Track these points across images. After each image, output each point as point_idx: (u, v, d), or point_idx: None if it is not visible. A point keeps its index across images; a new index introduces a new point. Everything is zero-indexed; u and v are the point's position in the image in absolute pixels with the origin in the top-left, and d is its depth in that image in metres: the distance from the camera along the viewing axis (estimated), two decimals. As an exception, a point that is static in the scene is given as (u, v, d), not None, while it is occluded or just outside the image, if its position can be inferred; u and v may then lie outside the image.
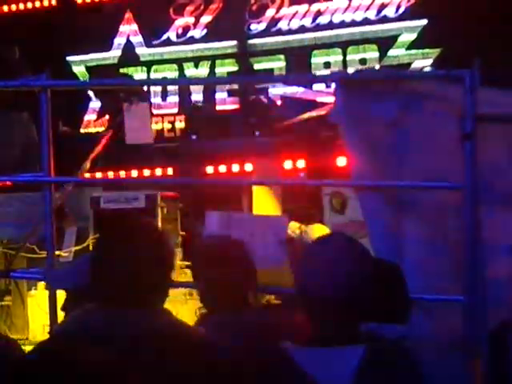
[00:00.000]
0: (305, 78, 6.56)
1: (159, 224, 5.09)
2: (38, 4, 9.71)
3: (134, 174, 6.31)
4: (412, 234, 2.90)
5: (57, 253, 4.90)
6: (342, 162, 6.24)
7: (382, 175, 2.96)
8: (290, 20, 9.18)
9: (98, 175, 6.36)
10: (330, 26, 8.98)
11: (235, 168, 6.59)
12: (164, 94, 9.44)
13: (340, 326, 1.78)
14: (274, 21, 9.22)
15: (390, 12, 8.77)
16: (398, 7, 8.72)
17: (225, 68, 9.33)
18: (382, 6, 8.77)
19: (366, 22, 8.85)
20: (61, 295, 3.40)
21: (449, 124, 2.86)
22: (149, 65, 9.67)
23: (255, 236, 3.00)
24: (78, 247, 5.56)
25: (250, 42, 9.25)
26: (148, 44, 9.64)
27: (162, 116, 9.25)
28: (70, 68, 9.78)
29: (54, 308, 3.18)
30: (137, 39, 9.69)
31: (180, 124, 9.10)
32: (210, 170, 6.62)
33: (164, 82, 7.51)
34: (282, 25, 9.20)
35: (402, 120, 2.92)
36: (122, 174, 6.54)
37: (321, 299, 1.76)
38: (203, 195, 5.92)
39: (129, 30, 9.63)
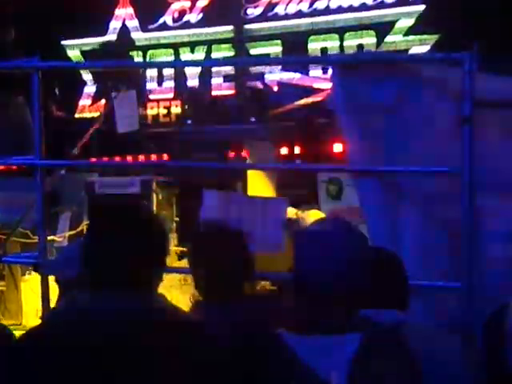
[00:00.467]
0: (301, 60, 6.49)
1: (153, 208, 5.06)
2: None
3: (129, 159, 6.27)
4: (410, 220, 2.87)
5: (51, 238, 4.89)
6: (338, 148, 6.22)
7: (379, 161, 2.92)
8: (287, 5, 9.12)
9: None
10: (327, 11, 8.93)
11: (231, 154, 6.55)
12: (160, 79, 9.40)
13: (337, 313, 1.75)
14: (271, 5, 9.17)
15: (387, -3, 8.73)
16: (396, -8, 8.67)
17: (221, 53, 9.28)
18: (380, -9, 8.73)
19: (364, 7, 8.81)
20: (54, 280, 3.39)
21: (447, 109, 2.82)
22: (145, 49, 9.62)
23: (254, 218, 2.96)
24: (72, 232, 5.53)
25: (247, 26, 9.20)
26: (144, 28, 9.58)
27: (158, 101, 9.22)
28: (65, 52, 9.72)
29: (47, 293, 3.15)
30: (132, 23, 9.63)
31: (176, 109, 9.06)
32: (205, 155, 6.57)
33: (156, 65, 7.42)
34: (279, 10, 9.14)
35: (401, 105, 2.88)
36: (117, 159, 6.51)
37: (318, 287, 1.74)
38: (197, 182, 5.88)
39: (124, 13, 9.57)
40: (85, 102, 9.53)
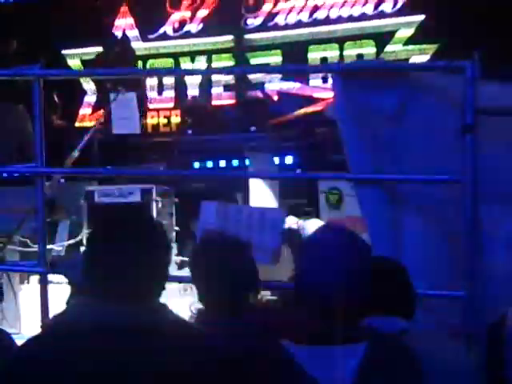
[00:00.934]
0: (301, 68, 6.49)
1: (155, 218, 5.03)
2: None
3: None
4: (412, 228, 2.86)
5: (49, 247, 4.87)
6: (339, 157, 6.20)
7: (380, 169, 2.91)
8: (287, 15, 9.14)
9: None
10: (327, 21, 8.96)
11: (233, 163, 6.53)
12: (160, 89, 9.41)
13: (340, 323, 1.74)
14: (271, 15, 9.19)
15: (387, 7, 8.74)
16: (396, 2, 8.70)
17: (221, 63, 9.30)
18: (380, 1, 8.76)
19: (364, 17, 8.83)
20: (53, 290, 3.36)
21: (449, 117, 2.82)
22: (145, 59, 9.63)
23: (252, 228, 2.95)
24: (71, 241, 5.50)
25: (247, 36, 9.23)
26: (144, 38, 9.60)
27: (158, 110, 9.23)
28: (65, 61, 9.74)
29: (46, 302, 3.14)
30: (133, 33, 9.64)
31: (176, 118, 9.07)
32: (208, 164, 6.56)
33: (157, 73, 7.42)
34: (279, 20, 9.17)
35: (402, 114, 2.88)
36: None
37: (321, 297, 1.72)
38: (198, 192, 5.87)
39: (124, 23, 9.59)
40: (85, 110, 9.54)
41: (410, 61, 8.42)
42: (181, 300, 4.62)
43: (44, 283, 3.17)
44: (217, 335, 1.88)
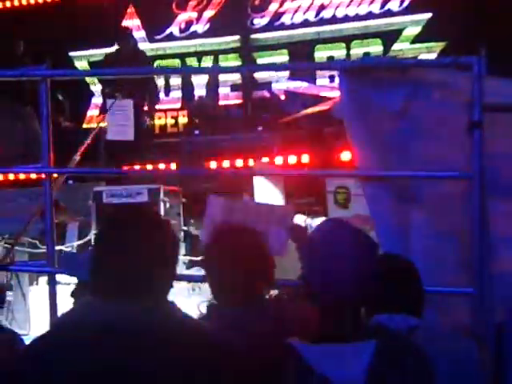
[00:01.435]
0: (307, 65, 6.48)
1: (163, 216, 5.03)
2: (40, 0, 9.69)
3: (137, 167, 6.25)
4: (419, 226, 2.85)
5: (59, 247, 4.89)
6: (346, 156, 6.19)
7: (388, 166, 2.90)
8: (293, 14, 9.13)
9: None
10: (334, 20, 8.94)
11: (238, 163, 6.52)
12: (167, 89, 9.41)
13: (350, 322, 1.74)
14: (277, 15, 9.18)
15: (394, 6, 8.71)
16: (402, 1, 8.67)
17: (228, 63, 9.28)
18: (386, 0, 8.72)
19: (370, 15, 8.81)
20: (61, 290, 3.37)
21: (456, 113, 2.81)
22: (151, 60, 9.62)
23: (258, 224, 2.93)
24: (80, 242, 5.52)
25: (253, 36, 9.22)
26: (151, 39, 9.60)
27: (165, 111, 9.23)
28: (73, 63, 9.76)
29: (54, 302, 3.14)
30: (139, 34, 9.64)
31: (183, 119, 9.07)
32: (212, 165, 6.55)
33: (165, 72, 7.43)
34: (285, 19, 9.16)
35: (409, 110, 2.87)
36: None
37: (332, 297, 1.72)
38: (205, 193, 5.87)
39: (131, 24, 9.59)
40: (93, 112, 9.56)
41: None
42: (189, 299, 4.64)
43: (52, 283, 3.17)
44: (224, 333, 1.86)
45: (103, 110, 7.49)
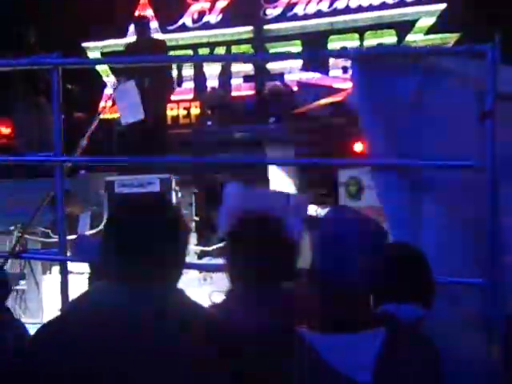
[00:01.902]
0: (320, 54, 6.45)
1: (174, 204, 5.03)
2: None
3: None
4: (430, 215, 2.83)
5: (71, 237, 4.91)
6: (359, 147, 6.17)
7: (400, 155, 2.89)
8: (307, 5, 9.09)
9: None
10: (347, 10, 8.90)
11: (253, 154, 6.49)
12: (179, 80, 9.41)
13: (359, 311, 1.73)
14: (290, 5, 9.15)
15: (408, -4, 8.67)
16: (416, -9, 8.61)
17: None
18: (400, -10, 8.68)
19: (384, 6, 8.76)
20: (73, 279, 3.39)
21: (469, 102, 2.78)
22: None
23: (274, 212, 2.91)
24: (92, 231, 5.54)
25: (266, 27, 9.20)
26: (163, 30, 9.60)
27: (178, 102, 9.24)
28: (86, 54, 9.79)
29: (66, 292, 3.16)
30: (152, 25, 9.63)
31: (195, 110, 9.08)
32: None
33: (174, 60, 7.43)
34: (298, 10, 9.12)
35: (422, 98, 2.85)
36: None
37: (339, 284, 1.71)
38: (217, 183, 5.88)
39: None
40: (105, 103, 9.58)
41: (432, 50, 8.33)
42: (200, 289, 4.65)
43: (64, 272, 3.19)
44: (235, 319, 1.86)
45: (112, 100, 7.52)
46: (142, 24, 7.65)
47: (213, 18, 9.50)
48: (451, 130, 2.81)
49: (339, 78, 8.53)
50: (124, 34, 9.61)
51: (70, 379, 1.56)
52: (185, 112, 9.29)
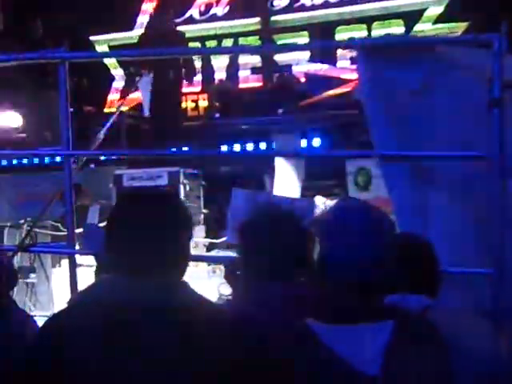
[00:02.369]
0: (327, 45, 6.42)
1: (179, 195, 5.05)
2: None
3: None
4: (437, 204, 2.83)
5: (80, 230, 4.93)
6: (367, 138, 6.14)
7: (406, 146, 2.88)
8: (314, -5, 9.06)
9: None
10: (355, 0, 8.85)
11: (261, 146, 6.49)
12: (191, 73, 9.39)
13: (367, 301, 1.72)
14: (298, -4, 9.12)
15: (415, -15, 8.62)
16: (424, -20, 8.55)
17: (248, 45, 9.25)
18: (408, -21, 8.62)
19: (391, -5, 8.71)
20: (83, 272, 3.41)
21: (476, 92, 2.77)
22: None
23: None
24: (101, 225, 5.56)
25: (273, 18, 9.17)
26: (172, 22, 9.57)
27: (186, 95, 9.23)
28: (94, 47, 9.80)
29: (75, 284, 3.17)
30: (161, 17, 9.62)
31: (203, 103, 9.07)
32: (235, 147, 6.54)
33: (184, 52, 7.40)
34: (306, 0, 9.08)
35: (428, 88, 2.83)
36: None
37: (348, 276, 1.71)
38: (226, 174, 5.89)
39: (151, 8, 9.59)
40: (113, 96, 9.60)
41: (440, 40, 8.28)
42: (209, 282, 4.67)
43: (73, 264, 3.21)
44: (242, 309, 1.86)
45: (124, 93, 7.54)
46: (161, 15, 7.64)
47: (220, 10, 9.48)
48: (458, 119, 2.80)
49: (347, 68, 8.50)
50: (131, 27, 9.61)
51: (76, 371, 1.57)
52: (193, 104, 9.28)
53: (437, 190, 2.87)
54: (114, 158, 6.13)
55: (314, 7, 9.07)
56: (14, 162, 6.79)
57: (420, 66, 2.86)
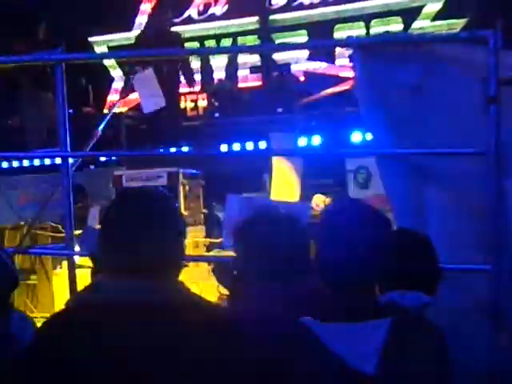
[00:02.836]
0: (324, 43, 6.42)
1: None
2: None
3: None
4: (434, 202, 2.82)
5: (80, 232, 4.94)
6: (365, 136, 6.14)
7: (402, 143, 2.87)
8: (312, -6, 9.06)
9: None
10: (353, -2, 8.85)
11: (260, 145, 6.49)
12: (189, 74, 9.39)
13: (365, 300, 1.73)
14: (296, -5, 9.12)
15: (414, -19, 8.60)
16: (422, -24, 8.54)
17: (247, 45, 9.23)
18: (406, -24, 8.61)
19: (390, -8, 8.69)
20: (83, 274, 3.41)
21: (473, 89, 2.77)
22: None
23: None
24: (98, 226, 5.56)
25: (272, 17, 9.16)
26: (170, 22, 9.58)
27: (185, 94, 9.23)
28: (93, 48, 9.80)
29: (74, 285, 3.18)
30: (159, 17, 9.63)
31: (203, 102, 9.07)
32: (234, 147, 6.54)
33: (182, 52, 7.42)
34: (304, -2, 9.09)
35: (424, 85, 2.83)
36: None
37: (345, 274, 1.71)
38: (225, 174, 5.89)
39: (149, 8, 9.59)
40: (113, 97, 9.60)
41: (439, 37, 8.26)
42: (209, 281, 4.67)
43: (72, 265, 3.21)
44: (236, 308, 1.86)
45: (123, 94, 7.54)
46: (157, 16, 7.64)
47: (218, 9, 9.48)
48: (454, 116, 2.79)
49: (346, 66, 8.49)
50: (130, 28, 9.61)
51: (75, 372, 1.57)
52: (192, 104, 9.28)
53: (434, 186, 2.86)
54: (113, 158, 6.14)
55: (312, 6, 9.06)
56: (15, 164, 6.80)
57: (416, 63, 2.86)
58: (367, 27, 8.79)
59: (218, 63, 9.16)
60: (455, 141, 2.77)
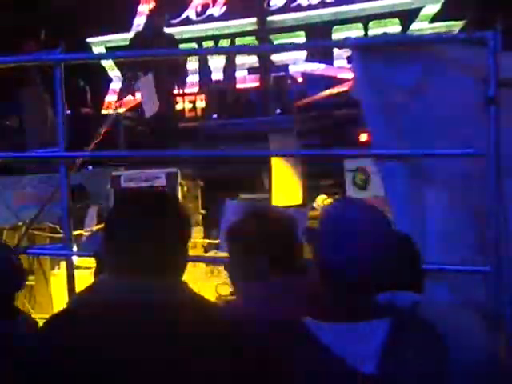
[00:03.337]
0: (321, 44, 6.45)
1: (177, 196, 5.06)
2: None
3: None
4: (434, 203, 2.83)
5: (78, 232, 4.94)
6: (364, 138, 6.15)
7: (402, 144, 2.88)
8: (310, -5, 9.07)
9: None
10: (351, 0, 8.86)
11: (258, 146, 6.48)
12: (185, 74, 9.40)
13: (363, 299, 1.73)
14: (294, -4, 9.13)
15: (412, -17, 8.62)
16: (421, -22, 8.56)
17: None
18: (404, -23, 8.63)
19: (387, -6, 8.72)
20: (81, 274, 3.41)
21: (473, 90, 2.77)
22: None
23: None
24: (99, 226, 5.56)
25: (270, 18, 9.17)
26: (167, 23, 9.58)
27: (183, 96, 9.23)
28: (91, 49, 9.80)
29: (73, 286, 3.18)
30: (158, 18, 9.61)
31: (201, 103, 9.07)
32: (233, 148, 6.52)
33: (180, 53, 7.43)
34: (302, 0, 9.09)
35: (424, 86, 2.84)
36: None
37: (345, 274, 1.71)
38: (223, 175, 5.89)
39: (147, 9, 9.59)
40: (111, 98, 9.60)
41: (436, 38, 8.28)
42: (207, 282, 4.67)
43: (70, 266, 3.21)
44: (236, 309, 1.86)
45: (121, 95, 7.54)
46: (156, 17, 7.64)
47: (216, 10, 9.49)
48: (454, 117, 2.80)
49: (344, 68, 8.50)
50: (128, 29, 9.61)
51: (76, 371, 1.57)
52: (190, 105, 9.27)
53: (433, 187, 2.87)
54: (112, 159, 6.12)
55: (310, 7, 9.08)
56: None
57: (415, 64, 2.86)
58: (365, 29, 8.81)
59: (216, 64, 9.17)
60: (455, 141, 2.77)
